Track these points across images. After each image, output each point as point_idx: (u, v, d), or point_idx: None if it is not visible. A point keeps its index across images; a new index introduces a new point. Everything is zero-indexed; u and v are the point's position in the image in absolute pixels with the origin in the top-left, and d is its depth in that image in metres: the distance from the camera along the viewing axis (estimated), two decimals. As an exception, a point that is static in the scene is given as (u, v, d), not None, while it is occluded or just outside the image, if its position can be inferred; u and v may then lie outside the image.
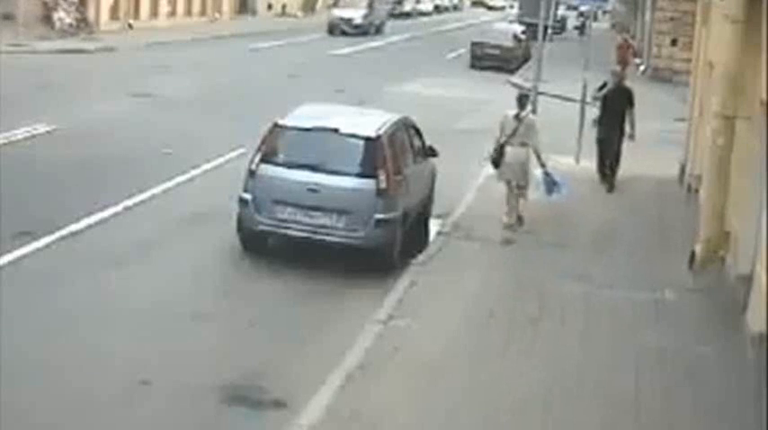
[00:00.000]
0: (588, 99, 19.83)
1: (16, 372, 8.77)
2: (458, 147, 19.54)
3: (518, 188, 14.83)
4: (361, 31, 50.90)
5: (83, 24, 40.00)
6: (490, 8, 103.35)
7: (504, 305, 11.40)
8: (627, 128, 17.73)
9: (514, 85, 30.74)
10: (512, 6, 78.46)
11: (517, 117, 14.73)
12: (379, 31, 54.23)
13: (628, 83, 18.72)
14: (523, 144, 14.71)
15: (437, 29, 64.23)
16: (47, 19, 37.84)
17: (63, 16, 37.83)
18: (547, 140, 18.37)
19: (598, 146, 18.13)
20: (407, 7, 76.87)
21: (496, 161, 14.88)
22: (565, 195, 15.12)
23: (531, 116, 15.19)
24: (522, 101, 15.02)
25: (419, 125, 14.75)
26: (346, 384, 8.95)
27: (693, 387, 9.40)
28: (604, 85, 18.39)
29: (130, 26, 42.72)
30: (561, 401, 8.90)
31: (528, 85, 25.39)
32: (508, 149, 14.70)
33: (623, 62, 32.99)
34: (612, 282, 12.40)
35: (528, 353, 10.00)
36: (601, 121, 18.00)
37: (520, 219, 14.77)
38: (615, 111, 17.66)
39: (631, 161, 18.15)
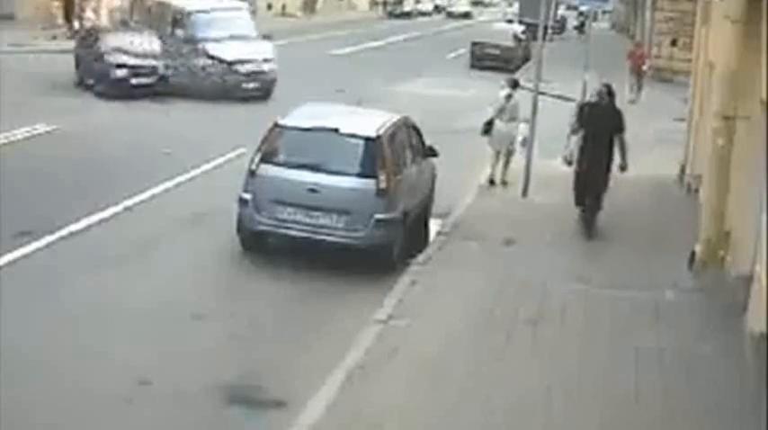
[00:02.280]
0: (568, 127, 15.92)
1: (16, 372, 8.78)
2: (458, 147, 19.53)
3: (506, 155, 17.67)
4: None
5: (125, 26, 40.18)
6: (449, 14, 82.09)
7: (504, 305, 11.40)
8: (618, 156, 14.67)
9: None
10: (510, 4, 77.47)
11: (508, 97, 17.54)
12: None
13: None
14: (511, 119, 17.51)
15: (437, 29, 64.25)
16: (53, 19, 37.91)
17: (92, 17, 37.93)
18: (547, 141, 18.49)
19: (576, 179, 14.63)
20: (407, 7, 76.97)
21: (487, 131, 17.57)
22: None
23: (516, 98, 17.65)
24: (513, 83, 17.96)
25: (419, 125, 14.77)
26: (346, 384, 8.95)
27: (693, 387, 9.40)
28: (583, 107, 15.37)
29: (124, 23, 42.53)
30: (561, 401, 8.90)
31: (528, 85, 25.40)
32: (497, 123, 17.44)
33: (638, 72, 32.69)
34: (612, 282, 12.40)
35: (528, 353, 10.00)
36: (584, 151, 14.44)
37: (504, 183, 17.59)
38: (601, 137, 14.33)
39: (631, 161, 18.12)
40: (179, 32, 26.68)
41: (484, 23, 60.36)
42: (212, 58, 25.95)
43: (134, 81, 24.63)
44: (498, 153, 17.70)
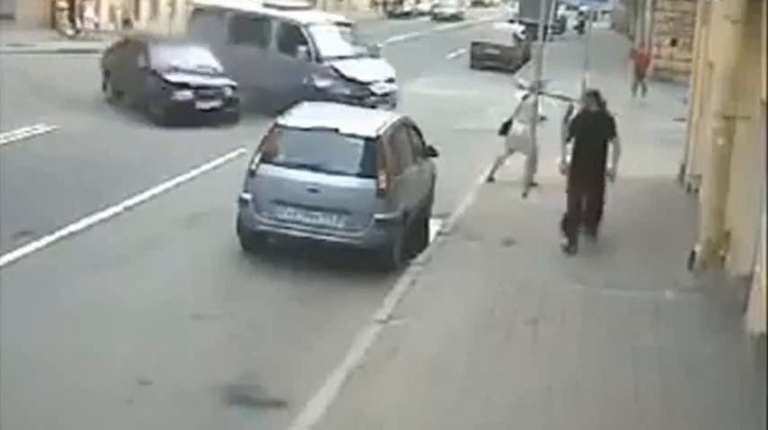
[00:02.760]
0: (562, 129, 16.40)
1: (16, 372, 8.78)
2: (458, 147, 19.53)
3: (530, 159, 17.38)
4: None
5: (127, 26, 40.19)
6: (435, 17, 72.08)
7: (504, 305, 11.40)
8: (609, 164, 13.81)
9: (520, 86, 30.80)
10: (512, 4, 76.23)
11: (525, 97, 17.95)
12: None
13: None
14: (523, 120, 17.55)
15: (437, 29, 64.18)
16: (54, 19, 37.91)
17: (91, 16, 37.99)
18: (548, 141, 18.47)
19: (570, 190, 13.78)
20: (407, 7, 76.93)
21: (503, 131, 17.80)
22: None
23: (530, 99, 17.68)
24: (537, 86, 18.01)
25: (419, 125, 14.77)
26: (346, 384, 8.95)
27: (693, 387, 9.40)
28: (570, 110, 15.16)
29: (126, 22, 42.45)
30: (561, 401, 8.90)
31: (527, 84, 25.42)
32: (514, 123, 17.69)
33: (640, 73, 32.70)
34: (612, 282, 12.39)
35: (528, 353, 10.00)
36: (576, 159, 13.70)
37: (533, 185, 17.15)
38: (594, 144, 13.60)
39: (631, 161, 18.12)
40: (300, 48, 23.04)
41: (484, 23, 60.25)
42: (344, 78, 22.85)
43: (201, 105, 21.26)
44: (511, 151, 17.81)
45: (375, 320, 10.63)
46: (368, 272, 12.36)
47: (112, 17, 41.83)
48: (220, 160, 17.97)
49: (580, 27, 56.55)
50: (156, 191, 15.55)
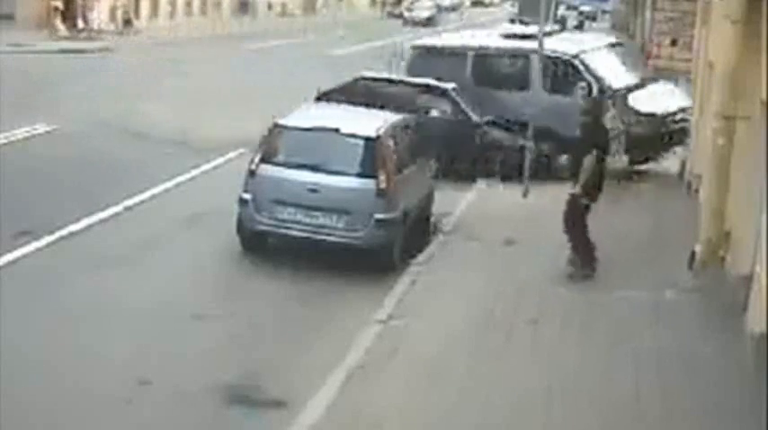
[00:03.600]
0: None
1: (16, 372, 8.78)
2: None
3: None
4: None
5: (128, 26, 40.18)
6: (406, 21, 63.50)
7: (504, 305, 11.40)
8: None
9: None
10: (512, 4, 76.11)
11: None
12: None
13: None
14: None
15: (436, 28, 64.09)
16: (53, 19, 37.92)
17: (96, 16, 38.10)
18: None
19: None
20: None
21: None
22: None
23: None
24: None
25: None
26: (346, 384, 8.96)
27: (693, 387, 9.40)
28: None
29: (127, 22, 42.50)
30: (561, 401, 8.90)
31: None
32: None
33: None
34: (612, 282, 12.39)
35: (528, 353, 10.00)
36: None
37: None
38: (589, 151, 12.49)
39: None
40: (579, 84, 18.59)
41: (485, 23, 60.22)
42: (639, 113, 18.55)
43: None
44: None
45: (375, 320, 10.64)
46: (368, 272, 12.35)
47: (113, 17, 41.83)
48: (220, 160, 17.97)
49: (580, 27, 56.52)
50: (156, 191, 15.55)
